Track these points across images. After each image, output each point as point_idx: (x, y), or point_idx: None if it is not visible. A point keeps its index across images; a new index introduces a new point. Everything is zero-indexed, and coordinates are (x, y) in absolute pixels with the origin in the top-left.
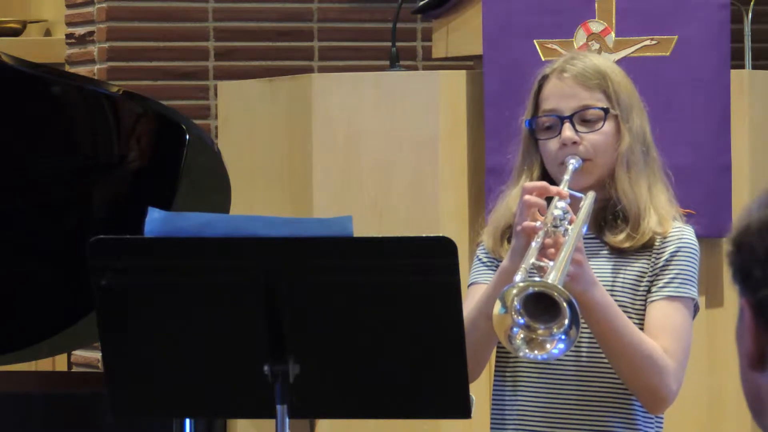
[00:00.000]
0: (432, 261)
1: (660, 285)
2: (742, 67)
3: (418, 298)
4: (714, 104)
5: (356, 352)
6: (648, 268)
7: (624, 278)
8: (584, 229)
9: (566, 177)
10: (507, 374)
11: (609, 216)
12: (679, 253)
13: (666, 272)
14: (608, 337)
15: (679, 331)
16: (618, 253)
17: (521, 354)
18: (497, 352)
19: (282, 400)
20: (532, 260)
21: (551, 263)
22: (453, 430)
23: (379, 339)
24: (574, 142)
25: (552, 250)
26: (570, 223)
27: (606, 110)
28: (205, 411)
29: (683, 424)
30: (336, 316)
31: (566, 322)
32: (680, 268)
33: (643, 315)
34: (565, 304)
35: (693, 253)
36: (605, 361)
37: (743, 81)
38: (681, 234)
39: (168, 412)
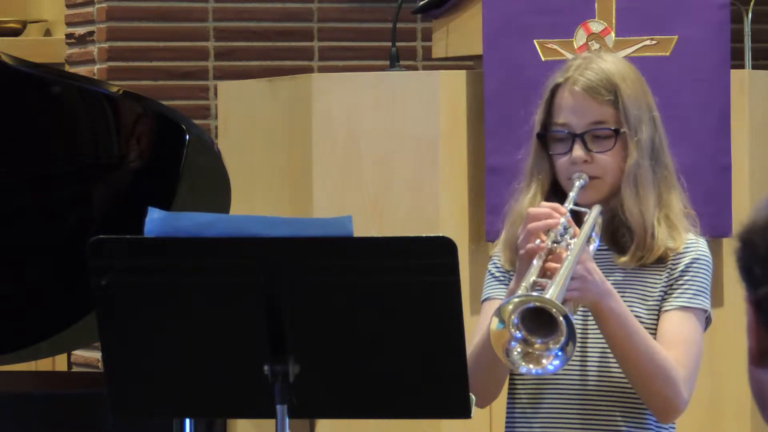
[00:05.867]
0: (432, 261)
1: (674, 296)
2: (742, 67)
3: (418, 298)
4: (714, 104)
5: (356, 352)
6: (662, 282)
7: (638, 291)
8: (596, 244)
9: (572, 195)
10: (519, 388)
11: (619, 230)
12: (693, 266)
13: (680, 283)
14: (623, 347)
15: (690, 341)
16: (631, 267)
17: (517, 368)
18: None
19: (282, 400)
20: (533, 278)
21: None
22: (453, 430)
23: (379, 339)
24: (585, 161)
25: (552, 265)
26: (573, 236)
27: (617, 131)
28: (205, 411)
29: (683, 425)
30: (336, 316)
31: (563, 338)
32: (694, 280)
33: (656, 327)
34: (561, 320)
35: (707, 266)
36: (618, 373)
37: (743, 81)
38: (695, 247)
39: (168, 412)
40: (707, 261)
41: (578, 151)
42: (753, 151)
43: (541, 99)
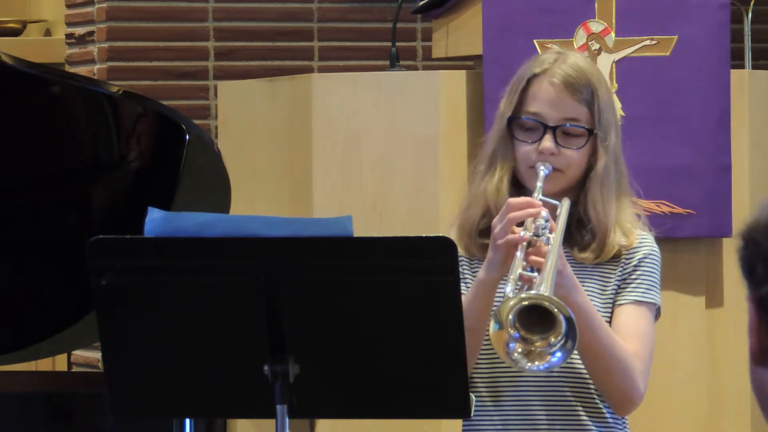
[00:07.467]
0: (432, 261)
1: (627, 290)
2: (742, 67)
3: (418, 298)
4: (714, 104)
5: (356, 352)
6: (615, 277)
7: (592, 287)
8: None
9: (539, 184)
10: (477, 382)
11: (579, 228)
12: (645, 261)
13: (633, 278)
14: (586, 340)
15: (645, 335)
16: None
17: (523, 367)
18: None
19: (282, 400)
20: (520, 271)
21: (536, 274)
22: (453, 430)
23: (379, 339)
24: (552, 153)
25: (537, 258)
26: (551, 231)
27: (590, 131)
28: (205, 411)
29: (683, 424)
30: (336, 316)
31: (563, 330)
32: (646, 275)
33: (610, 322)
34: (561, 317)
35: (657, 261)
36: (581, 366)
37: (743, 81)
38: (647, 243)
39: (168, 412)
40: (657, 256)
41: (548, 142)
42: (753, 151)
43: (509, 87)
